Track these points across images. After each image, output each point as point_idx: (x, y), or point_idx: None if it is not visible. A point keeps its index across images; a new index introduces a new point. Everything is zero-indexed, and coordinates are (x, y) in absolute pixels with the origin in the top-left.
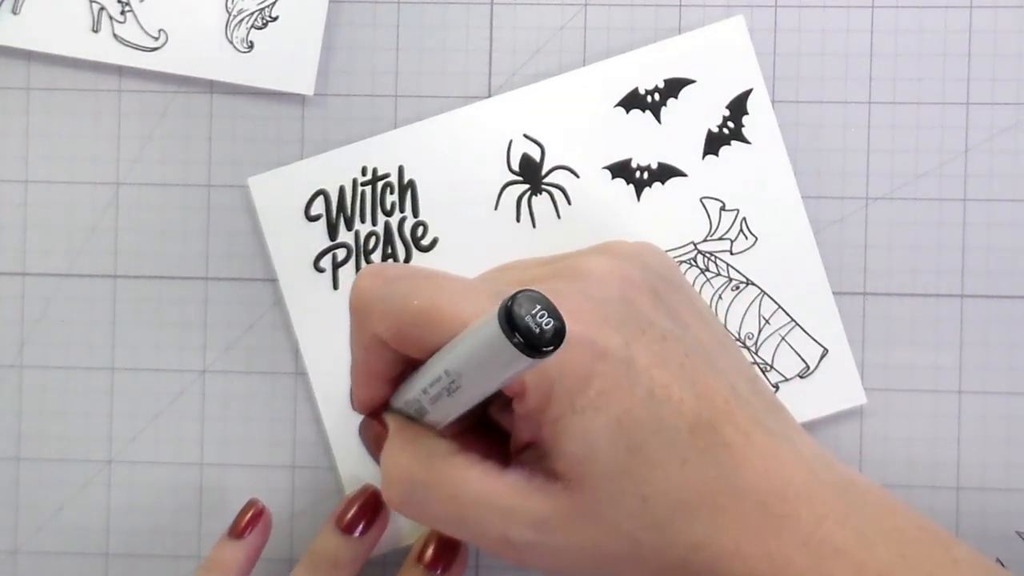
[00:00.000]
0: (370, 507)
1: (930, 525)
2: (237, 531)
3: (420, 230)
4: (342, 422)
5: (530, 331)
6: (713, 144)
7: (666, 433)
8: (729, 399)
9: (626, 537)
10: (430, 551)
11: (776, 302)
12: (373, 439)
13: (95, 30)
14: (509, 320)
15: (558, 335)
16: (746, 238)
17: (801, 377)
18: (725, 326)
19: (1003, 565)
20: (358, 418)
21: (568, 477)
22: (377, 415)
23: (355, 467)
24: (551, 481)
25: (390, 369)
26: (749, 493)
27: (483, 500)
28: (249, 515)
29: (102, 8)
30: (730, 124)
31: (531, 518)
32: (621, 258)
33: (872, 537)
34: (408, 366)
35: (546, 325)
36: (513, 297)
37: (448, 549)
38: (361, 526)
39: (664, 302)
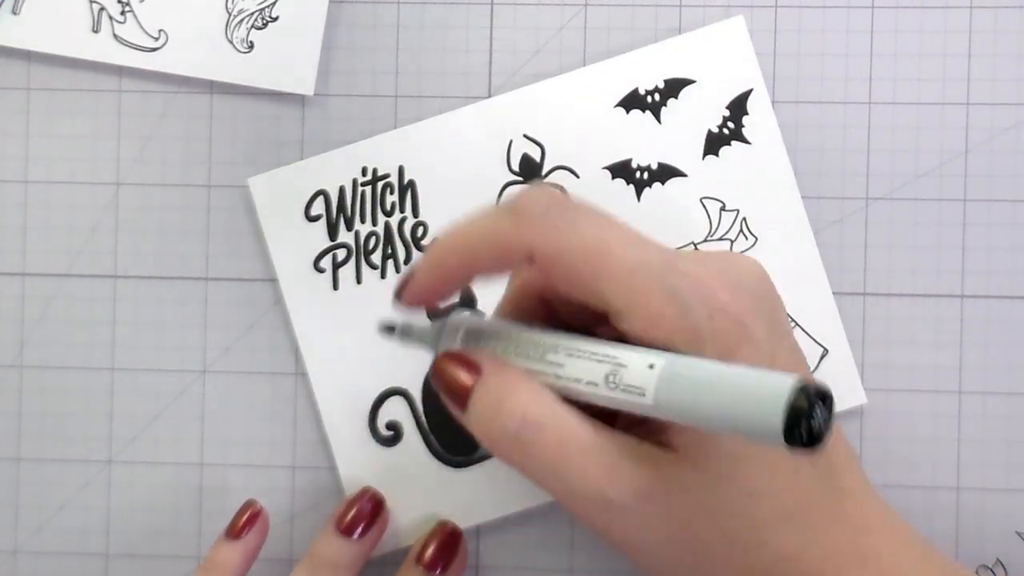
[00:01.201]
0: (370, 508)
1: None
2: (234, 531)
3: (420, 230)
4: (342, 422)
5: (812, 435)
6: (713, 144)
7: None
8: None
9: (720, 529)
10: (429, 551)
11: None
12: (445, 380)
13: (95, 30)
14: (796, 415)
15: (827, 432)
16: (746, 238)
17: None
18: None
19: (1003, 565)
20: (358, 418)
21: (683, 452)
22: (457, 360)
23: (355, 467)
24: (664, 451)
25: (516, 292)
26: (843, 518)
27: (593, 450)
28: (247, 515)
29: (102, 8)
30: (730, 124)
31: (634, 482)
32: (760, 265)
33: None
34: (532, 301)
35: (823, 424)
36: (809, 390)
37: (447, 549)
38: (361, 528)
39: (784, 316)
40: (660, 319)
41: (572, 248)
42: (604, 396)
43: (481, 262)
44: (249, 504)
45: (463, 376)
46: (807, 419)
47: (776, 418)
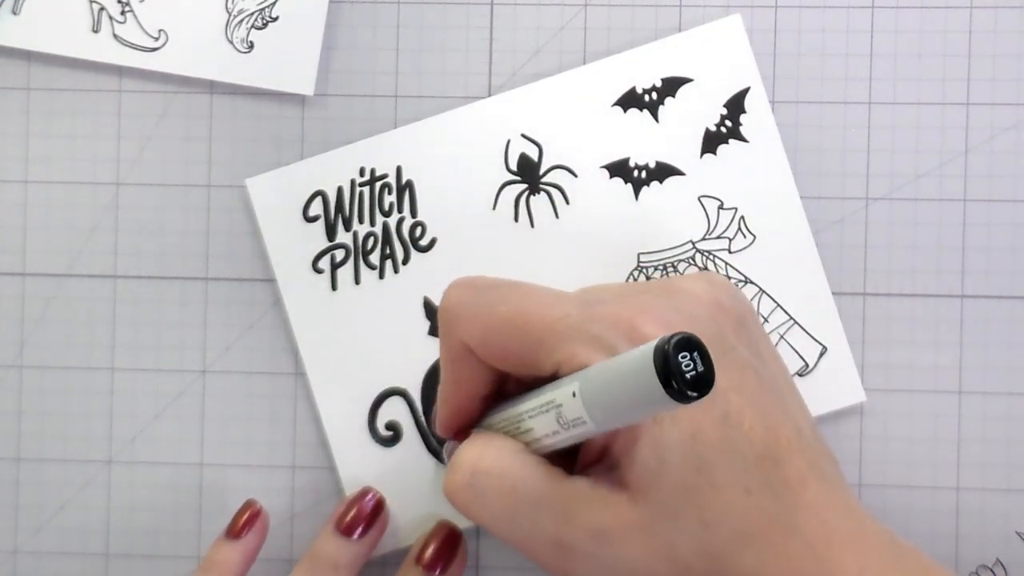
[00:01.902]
0: (370, 509)
1: None
2: (234, 531)
3: (419, 230)
4: (341, 422)
5: (687, 378)
6: (711, 143)
7: (735, 458)
8: (792, 438)
9: (679, 561)
10: (429, 551)
11: (775, 300)
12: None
13: (95, 30)
14: (665, 361)
15: (708, 381)
16: (744, 237)
17: (800, 375)
18: None
19: (1003, 565)
20: (357, 418)
21: (635, 488)
22: (461, 436)
23: (355, 467)
24: (616, 491)
25: (479, 384)
26: (800, 533)
27: (542, 498)
28: (246, 516)
29: (102, 8)
30: (728, 123)
31: (588, 526)
32: (713, 283)
33: None
34: (497, 384)
35: (700, 368)
36: (671, 338)
37: (447, 550)
38: (360, 528)
39: (747, 333)
40: (587, 366)
41: (496, 329)
42: (566, 438)
43: (460, 382)
44: (249, 504)
45: (453, 445)
46: (677, 366)
47: (651, 376)
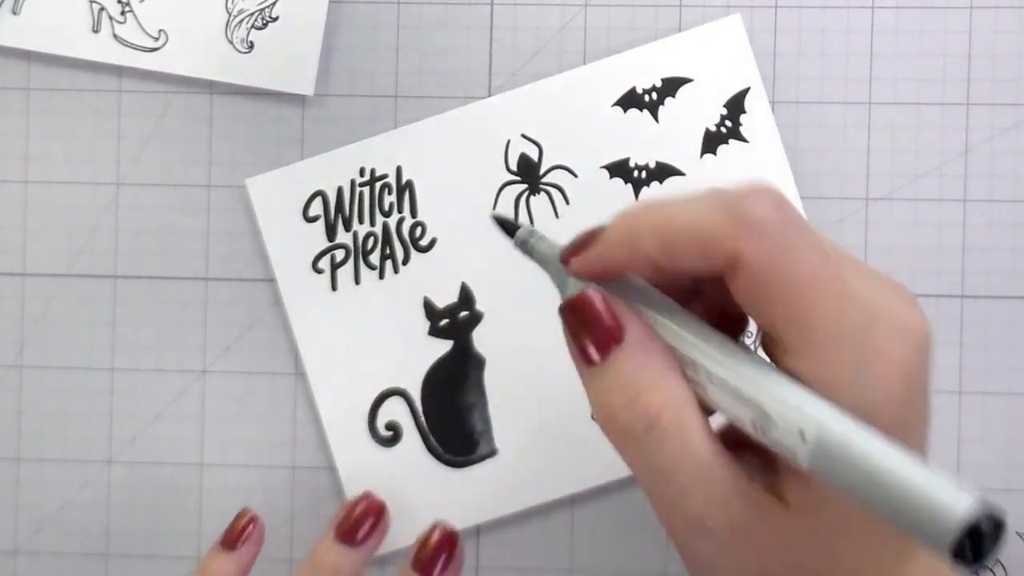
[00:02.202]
0: (370, 515)
1: None
2: (230, 542)
3: (418, 230)
4: (341, 422)
5: (980, 559)
6: (711, 143)
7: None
8: None
9: None
10: (426, 554)
11: None
12: (593, 327)
13: (95, 30)
14: (976, 539)
15: (994, 558)
16: None
17: None
18: None
19: (1003, 565)
20: (357, 418)
21: (796, 508)
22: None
23: (354, 467)
24: (772, 499)
25: (687, 268)
26: None
27: (706, 474)
28: (242, 526)
29: (102, 8)
30: (728, 123)
31: (734, 518)
32: (926, 319)
33: None
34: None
35: (993, 552)
36: (990, 514)
37: (443, 551)
38: (361, 534)
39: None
40: (833, 381)
41: (781, 278)
42: (749, 432)
43: (680, 252)
44: (244, 513)
45: (605, 328)
46: (979, 542)
47: (948, 535)
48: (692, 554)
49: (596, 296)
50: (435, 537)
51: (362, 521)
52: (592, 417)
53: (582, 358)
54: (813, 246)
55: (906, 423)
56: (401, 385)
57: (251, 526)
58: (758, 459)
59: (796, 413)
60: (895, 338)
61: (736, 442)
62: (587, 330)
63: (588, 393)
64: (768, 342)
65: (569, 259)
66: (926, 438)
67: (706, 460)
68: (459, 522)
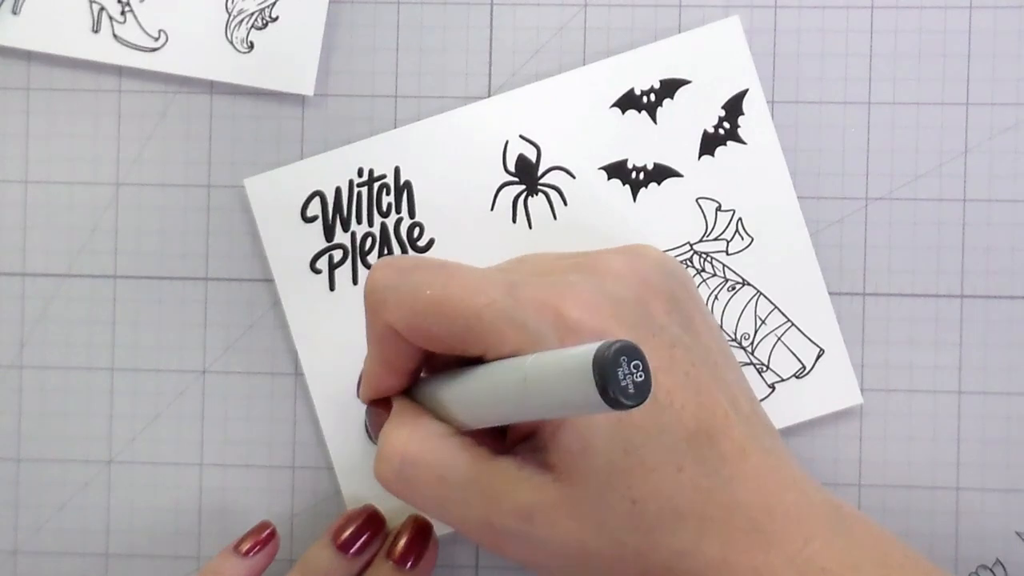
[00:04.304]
0: (369, 528)
1: (915, 555)
2: (244, 549)
3: (416, 231)
4: (339, 423)
5: (624, 388)
6: (709, 144)
7: (664, 438)
8: (729, 413)
9: (610, 538)
10: (400, 545)
11: (772, 302)
12: (376, 424)
13: (95, 30)
14: (603, 371)
15: (645, 390)
16: (742, 238)
17: (797, 377)
18: (721, 327)
19: (1003, 565)
20: (355, 418)
21: (560, 470)
22: (381, 403)
23: (352, 468)
24: (542, 472)
25: (405, 361)
26: (740, 507)
27: (470, 483)
28: (260, 536)
29: (102, 8)
30: (726, 124)
31: (516, 506)
32: (642, 260)
33: (858, 561)
34: (423, 359)
35: (638, 379)
36: (611, 347)
37: (417, 543)
38: (357, 545)
39: (679, 309)
40: (516, 353)
41: (421, 313)
42: (495, 422)
43: (384, 359)
44: (265, 525)
45: (375, 420)
46: (615, 377)
47: (589, 383)
48: (511, 556)
49: (374, 401)
50: (410, 529)
51: (360, 532)
52: None
53: None
54: (431, 273)
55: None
56: None
57: (269, 537)
58: (530, 444)
59: (499, 375)
60: (553, 288)
61: (513, 442)
62: (372, 429)
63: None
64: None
65: (363, 401)
66: (662, 349)
67: (465, 468)
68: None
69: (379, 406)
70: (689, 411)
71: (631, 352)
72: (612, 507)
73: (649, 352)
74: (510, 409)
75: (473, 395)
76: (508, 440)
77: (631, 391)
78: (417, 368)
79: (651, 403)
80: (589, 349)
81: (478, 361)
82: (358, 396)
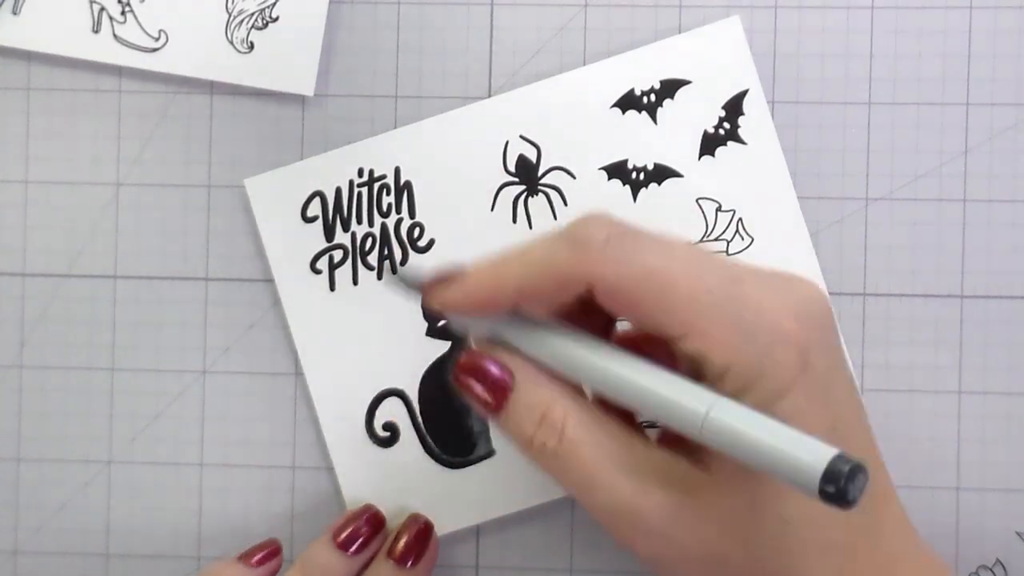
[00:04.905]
0: (369, 527)
1: None
2: (250, 559)
3: (417, 231)
4: (339, 423)
5: (845, 498)
6: (709, 145)
7: None
8: (879, 458)
9: (750, 554)
10: (400, 544)
11: None
12: (487, 375)
13: (95, 30)
14: (835, 484)
15: (858, 498)
16: (742, 239)
17: None
18: None
19: (1003, 565)
20: (354, 419)
21: (719, 473)
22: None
23: (352, 468)
24: (698, 471)
25: (550, 302)
26: (882, 549)
27: (626, 468)
28: (267, 551)
29: (102, 8)
30: (726, 125)
31: (665, 501)
32: (817, 287)
33: None
34: (565, 311)
35: (858, 491)
36: (847, 465)
37: (418, 543)
38: (357, 544)
39: (840, 342)
40: (722, 346)
41: (635, 280)
42: (656, 421)
43: (537, 289)
44: (272, 541)
45: (497, 379)
46: (846, 491)
47: (811, 477)
48: (638, 550)
49: (480, 355)
50: (411, 529)
51: (360, 531)
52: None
53: (486, 409)
54: (653, 244)
55: (806, 367)
56: (399, 386)
57: (275, 554)
58: (671, 444)
59: (696, 401)
60: (775, 294)
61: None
62: (483, 387)
63: (502, 433)
64: (657, 338)
65: (429, 295)
66: (843, 384)
67: (622, 455)
68: (458, 522)
69: (488, 363)
70: (855, 446)
71: (863, 473)
72: (763, 524)
73: (838, 378)
74: (683, 428)
75: (642, 391)
76: (661, 430)
77: (850, 499)
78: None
79: (830, 431)
80: (818, 452)
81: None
82: (428, 296)
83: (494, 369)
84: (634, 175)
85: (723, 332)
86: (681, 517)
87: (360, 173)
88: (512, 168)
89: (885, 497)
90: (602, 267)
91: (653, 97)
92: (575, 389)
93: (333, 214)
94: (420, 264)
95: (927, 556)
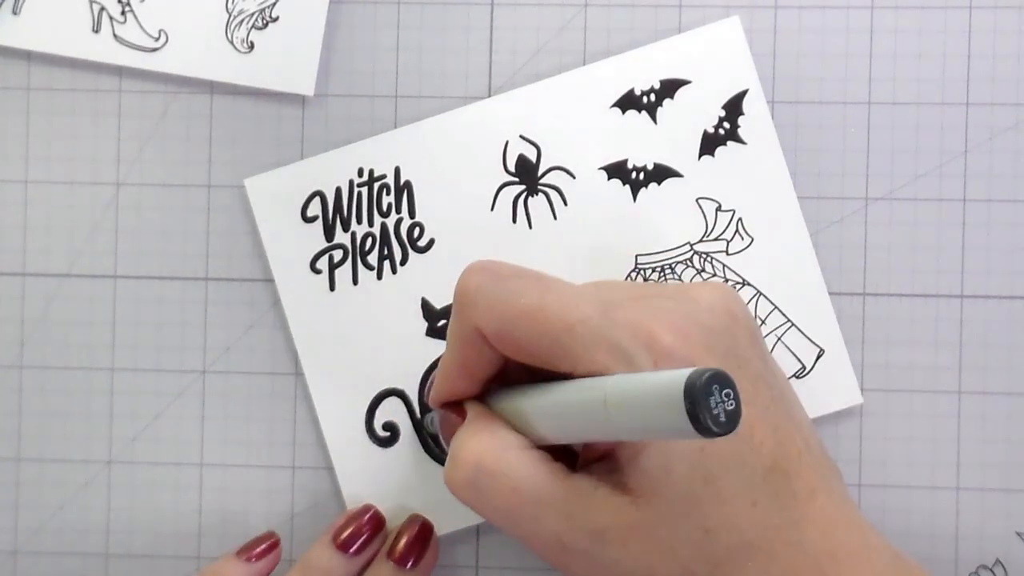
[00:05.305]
0: (369, 527)
1: None
2: (249, 554)
3: (416, 231)
4: (339, 423)
5: (716, 416)
6: (709, 145)
7: (743, 471)
8: (802, 452)
9: (679, 565)
10: (400, 545)
11: (772, 302)
12: (448, 428)
13: (95, 30)
14: (693, 398)
15: (735, 419)
16: (742, 238)
17: (797, 377)
18: None
19: (1003, 565)
20: (354, 419)
21: (638, 493)
22: (453, 406)
23: (352, 468)
24: (618, 494)
25: (484, 368)
26: (806, 547)
27: (544, 498)
28: (266, 544)
29: (102, 8)
30: (726, 125)
31: (589, 526)
32: (728, 293)
33: None
34: (501, 367)
35: (728, 407)
36: (702, 375)
37: (418, 544)
38: (357, 544)
39: (759, 344)
40: (606, 373)
41: (511, 320)
42: (574, 439)
43: (463, 361)
44: (271, 535)
45: (448, 424)
46: (706, 404)
47: (679, 409)
48: (576, 574)
49: (447, 404)
50: (411, 529)
51: (360, 531)
52: None
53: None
54: (527, 283)
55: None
56: (399, 385)
57: (272, 547)
58: (604, 465)
59: (586, 392)
60: (652, 312)
61: (587, 461)
62: (443, 432)
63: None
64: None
65: (432, 405)
66: (747, 383)
67: (540, 483)
68: (457, 522)
69: (450, 410)
70: (768, 446)
71: (723, 380)
72: (685, 535)
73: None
74: (592, 428)
75: (554, 410)
76: (582, 458)
77: (722, 419)
78: (494, 375)
79: (733, 435)
80: (680, 375)
81: (557, 376)
82: (425, 398)
83: (454, 414)
84: (634, 175)
85: (605, 358)
86: (606, 539)
87: (360, 173)
88: (512, 168)
89: (811, 493)
90: (483, 315)
91: (653, 97)
92: (508, 430)
93: (333, 214)
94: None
95: (879, 552)
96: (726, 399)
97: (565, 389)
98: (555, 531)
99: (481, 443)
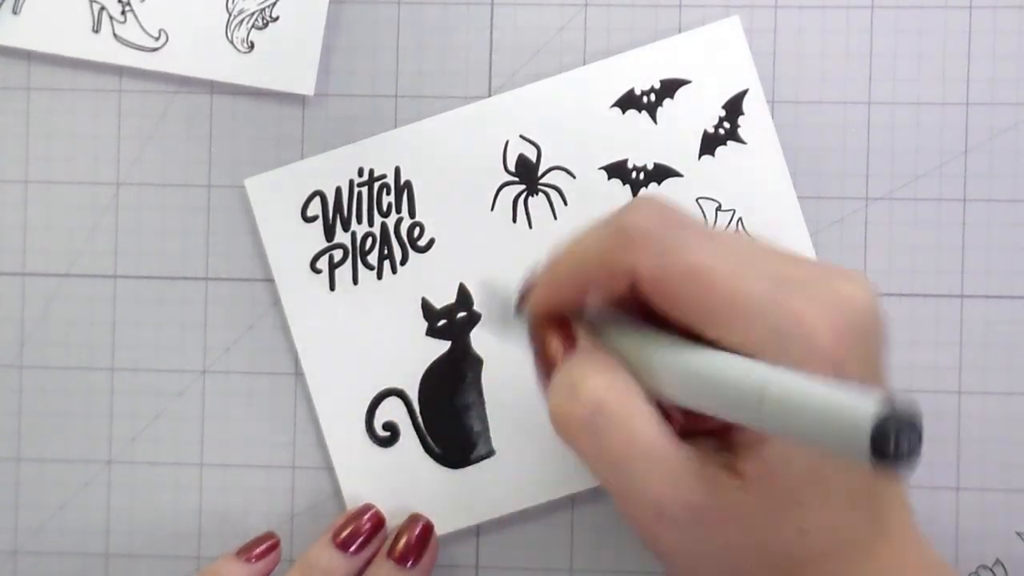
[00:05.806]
0: (369, 527)
1: None
2: (249, 555)
3: (417, 231)
4: (339, 423)
5: (899, 456)
6: (709, 144)
7: (853, 474)
8: None
9: (764, 561)
10: (400, 544)
11: None
12: (549, 346)
13: (95, 30)
14: (883, 433)
15: (915, 461)
16: None
17: None
18: None
19: (1003, 565)
20: (355, 419)
21: (750, 480)
22: (556, 328)
23: (352, 468)
24: (728, 475)
25: (608, 294)
26: (879, 561)
27: (656, 458)
28: (266, 545)
29: (102, 8)
30: (726, 124)
31: (692, 499)
32: (873, 293)
33: None
34: (621, 298)
35: (911, 450)
36: (897, 419)
37: (419, 543)
38: (357, 544)
39: (887, 351)
40: (756, 354)
41: (675, 277)
42: (704, 411)
43: (592, 281)
44: (271, 535)
45: (555, 345)
46: (894, 442)
47: (861, 435)
48: (656, 542)
49: (551, 321)
50: (411, 529)
51: (360, 531)
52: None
53: (543, 375)
54: (699, 237)
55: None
56: (399, 385)
57: (272, 548)
58: (712, 442)
59: (744, 381)
60: (816, 304)
61: (688, 431)
62: (543, 351)
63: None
64: (698, 336)
65: (519, 309)
66: None
67: (657, 443)
68: (457, 522)
69: (555, 332)
70: None
71: (913, 426)
72: (782, 531)
73: None
74: (734, 409)
75: (694, 377)
76: (683, 427)
77: (904, 460)
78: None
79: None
80: (866, 404)
81: (692, 334)
82: (515, 311)
83: (559, 336)
84: (634, 175)
85: (758, 342)
86: (704, 518)
87: (360, 173)
88: (512, 168)
89: (903, 508)
90: (645, 260)
91: (653, 97)
92: (630, 377)
93: (333, 214)
94: (506, 285)
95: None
96: (913, 440)
97: (713, 361)
98: (658, 495)
99: (605, 381)
